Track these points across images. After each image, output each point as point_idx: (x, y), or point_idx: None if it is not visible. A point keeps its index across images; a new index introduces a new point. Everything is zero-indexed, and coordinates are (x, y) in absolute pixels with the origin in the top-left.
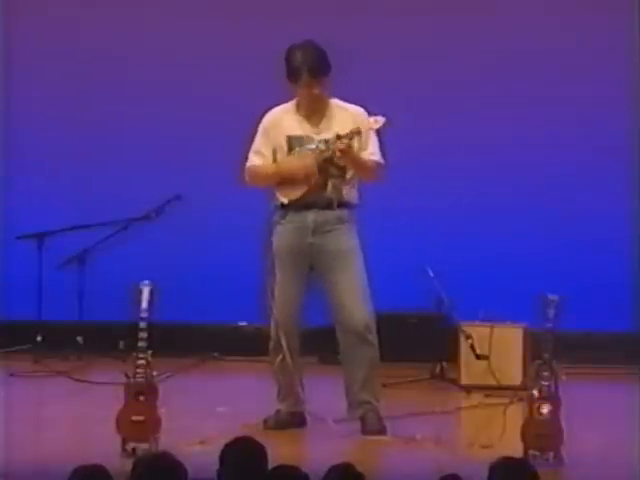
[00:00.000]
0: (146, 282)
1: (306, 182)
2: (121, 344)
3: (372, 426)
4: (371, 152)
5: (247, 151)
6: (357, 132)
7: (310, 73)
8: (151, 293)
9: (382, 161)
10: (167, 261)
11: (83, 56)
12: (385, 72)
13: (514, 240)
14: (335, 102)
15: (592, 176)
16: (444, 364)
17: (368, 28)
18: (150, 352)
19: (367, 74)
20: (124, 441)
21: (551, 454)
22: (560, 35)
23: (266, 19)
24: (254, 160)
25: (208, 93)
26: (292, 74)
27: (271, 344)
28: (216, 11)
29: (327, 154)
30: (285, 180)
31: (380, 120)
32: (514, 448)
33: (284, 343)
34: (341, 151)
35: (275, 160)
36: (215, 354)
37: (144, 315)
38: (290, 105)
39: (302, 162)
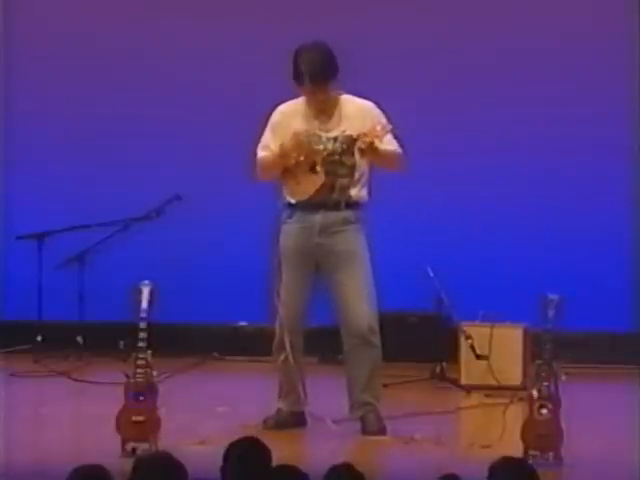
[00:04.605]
0: (146, 282)
1: (297, 153)
2: (121, 344)
3: (372, 426)
4: (387, 145)
5: (250, 150)
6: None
7: (312, 81)
8: (151, 293)
9: (400, 150)
10: (167, 261)
11: (83, 56)
12: (385, 72)
13: (514, 240)
14: (345, 98)
15: (592, 176)
16: (444, 364)
17: (372, 27)
18: (150, 352)
19: (368, 73)
20: (124, 441)
21: (551, 454)
22: (561, 35)
23: (269, 16)
24: (261, 155)
25: (210, 93)
26: (296, 77)
27: (275, 343)
28: (219, 9)
29: (334, 158)
30: (291, 177)
31: (386, 127)
32: (514, 448)
33: (287, 343)
34: (363, 150)
35: None
36: (215, 354)
37: (144, 315)
38: (300, 100)
39: (294, 141)
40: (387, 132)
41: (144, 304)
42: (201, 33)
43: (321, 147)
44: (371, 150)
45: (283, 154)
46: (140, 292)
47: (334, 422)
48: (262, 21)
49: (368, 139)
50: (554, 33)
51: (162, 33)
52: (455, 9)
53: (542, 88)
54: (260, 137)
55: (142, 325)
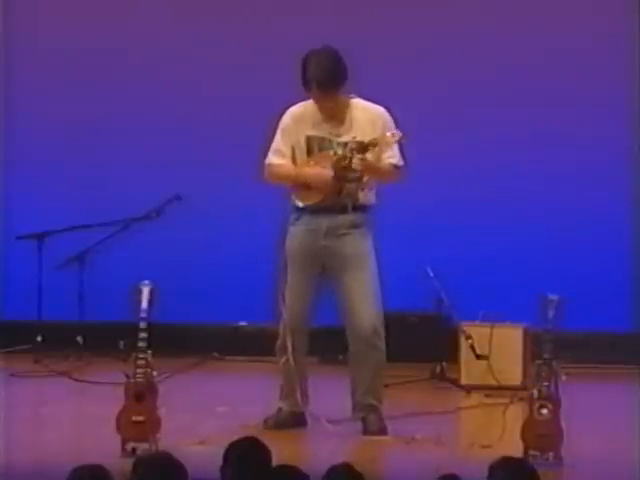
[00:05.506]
0: (146, 282)
1: (322, 190)
2: (121, 344)
3: (373, 426)
4: (390, 155)
5: (250, 150)
6: (374, 144)
7: (320, 87)
8: (151, 293)
9: (401, 163)
10: (167, 261)
11: (83, 56)
12: (385, 73)
13: (514, 240)
14: (356, 102)
15: (592, 176)
16: (444, 364)
17: (374, 27)
18: (150, 352)
19: (368, 73)
20: (124, 441)
21: (551, 454)
22: (561, 35)
23: (272, 16)
24: (273, 159)
25: (210, 93)
26: (304, 84)
27: (278, 343)
28: (222, 10)
29: (344, 163)
30: (302, 184)
31: (397, 134)
32: (514, 448)
33: (289, 344)
34: (359, 165)
35: (294, 158)
36: (215, 354)
37: (144, 315)
38: (311, 102)
39: (320, 171)
40: (397, 140)
41: (144, 304)
42: (202, 33)
43: (331, 152)
44: (365, 166)
45: (307, 183)
46: (140, 292)
47: (331, 422)
48: (265, 21)
49: (361, 158)
50: (554, 33)
51: (162, 33)
52: (456, 10)
53: (542, 88)
54: (267, 138)
55: (142, 325)
